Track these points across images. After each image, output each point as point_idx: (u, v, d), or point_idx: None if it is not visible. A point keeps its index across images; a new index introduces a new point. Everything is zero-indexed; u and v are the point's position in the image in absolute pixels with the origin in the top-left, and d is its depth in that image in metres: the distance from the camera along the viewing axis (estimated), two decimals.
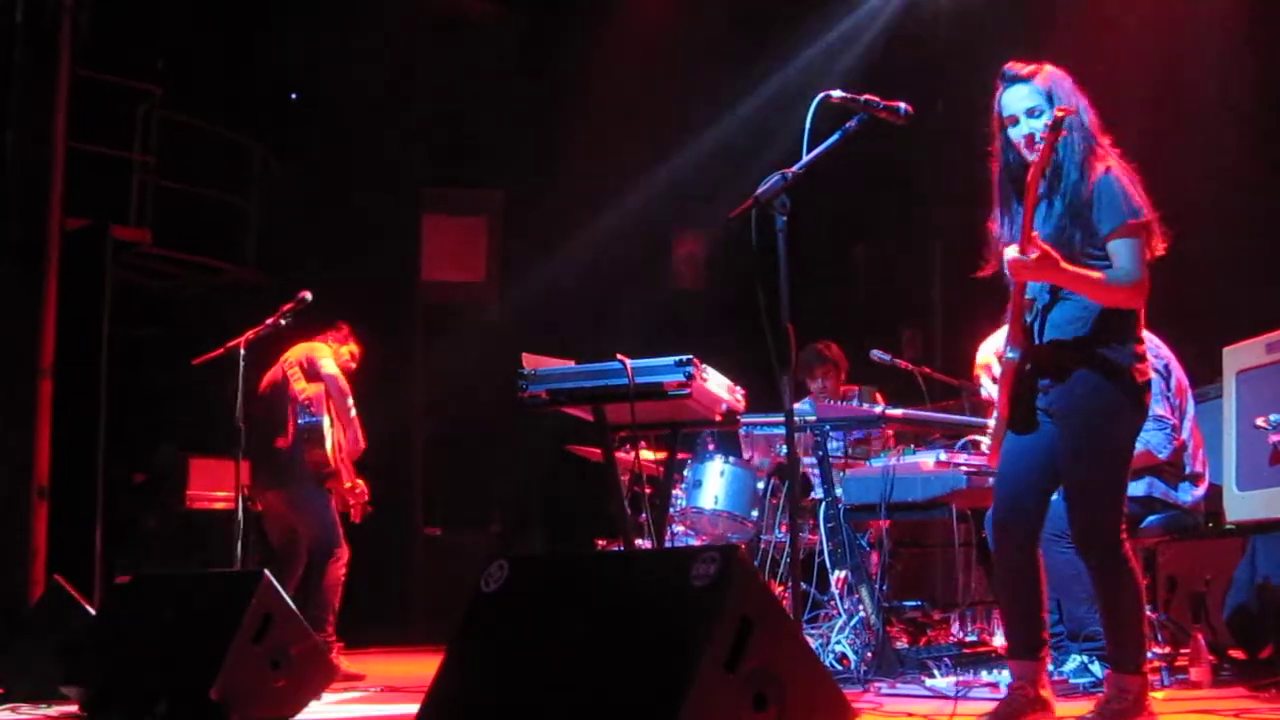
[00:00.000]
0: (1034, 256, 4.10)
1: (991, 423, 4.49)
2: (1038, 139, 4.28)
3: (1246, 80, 9.32)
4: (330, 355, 7.66)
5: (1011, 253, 4.17)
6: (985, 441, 4.63)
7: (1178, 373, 6.03)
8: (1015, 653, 4.46)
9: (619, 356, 5.36)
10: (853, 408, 7.02)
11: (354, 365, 7.94)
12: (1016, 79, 4.37)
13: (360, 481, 7.75)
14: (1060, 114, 4.15)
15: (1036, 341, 4.34)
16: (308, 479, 7.43)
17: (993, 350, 4.60)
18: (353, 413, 7.61)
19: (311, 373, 7.51)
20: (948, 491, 6.20)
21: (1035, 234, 4.13)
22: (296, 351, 7.72)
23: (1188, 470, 5.98)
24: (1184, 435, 5.97)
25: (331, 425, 7.47)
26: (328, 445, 7.39)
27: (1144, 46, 9.58)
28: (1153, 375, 4.56)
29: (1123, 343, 4.27)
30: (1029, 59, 4.46)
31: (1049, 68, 4.40)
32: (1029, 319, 4.36)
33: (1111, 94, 4.57)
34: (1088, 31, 9.75)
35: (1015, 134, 4.38)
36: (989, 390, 4.64)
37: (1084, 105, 4.36)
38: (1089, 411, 4.25)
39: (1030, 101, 4.33)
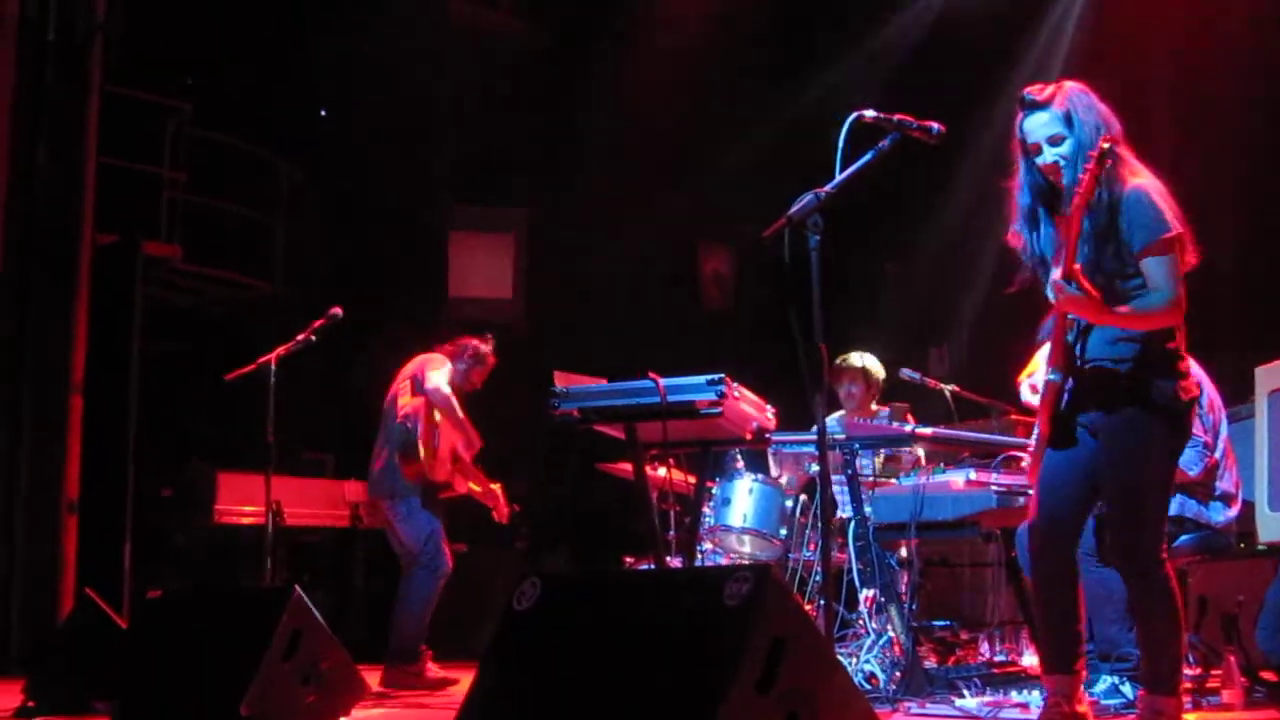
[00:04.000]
0: (1077, 293, 4.08)
1: (1030, 442, 4.47)
2: (1063, 167, 4.29)
3: (1275, 90, 9.27)
4: (443, 368, 7.50)
5: (1057, 277, 4.13)
6: (1026, 460, 4.62)
7: (1209, 391, 5.98)
8: (1051, 668, 4.44)
9: (651, 375, 5.36)
10: (882, 426, 6.99)
11: (477, 381, 7.80)
12: (1035, 105, 4.35)
13: (494, 486, 7.76)
14: (1106, 144, 4.13)
15: (1079, 363, 4.33)
16: (409, 492, 7.41)
17: (1043, 360, 4.59)
18: (461, 415, 7.45)
19: (418, 384, 7.49)
20: (977, 511, 6.17)
21: (1078, 267, 4.11)
22: (413, 364, 7.65)
23: (1218, 490, 5.94)
24: (1217, 454, 5.93)
25: (436, 437, 7.42)
26: (421, 457, 7.37)
27: (1169, 57, 9.55)
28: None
29: (1166, 361, 4.26)
30: (1046, 79, 4.45)
31: (1068, 85, 4.38)
32: (1070, 338, 4.34)
33: (1136, 106, 4.55)
34: (1112, 42, 9.72)
35: (1040, 161, 4.37)
36: (1026, 397, 4.63)
37: (1108, 118, 4.34)
38: (1133, 432, 4.24)
39: (1050, 129, 4.31)
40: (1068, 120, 4.30)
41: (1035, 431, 4.41)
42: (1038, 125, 4.34)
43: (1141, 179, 4.27)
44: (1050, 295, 4.20)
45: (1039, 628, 4.79)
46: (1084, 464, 4.36)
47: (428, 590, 7.37)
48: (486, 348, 7.82)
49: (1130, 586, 4.32)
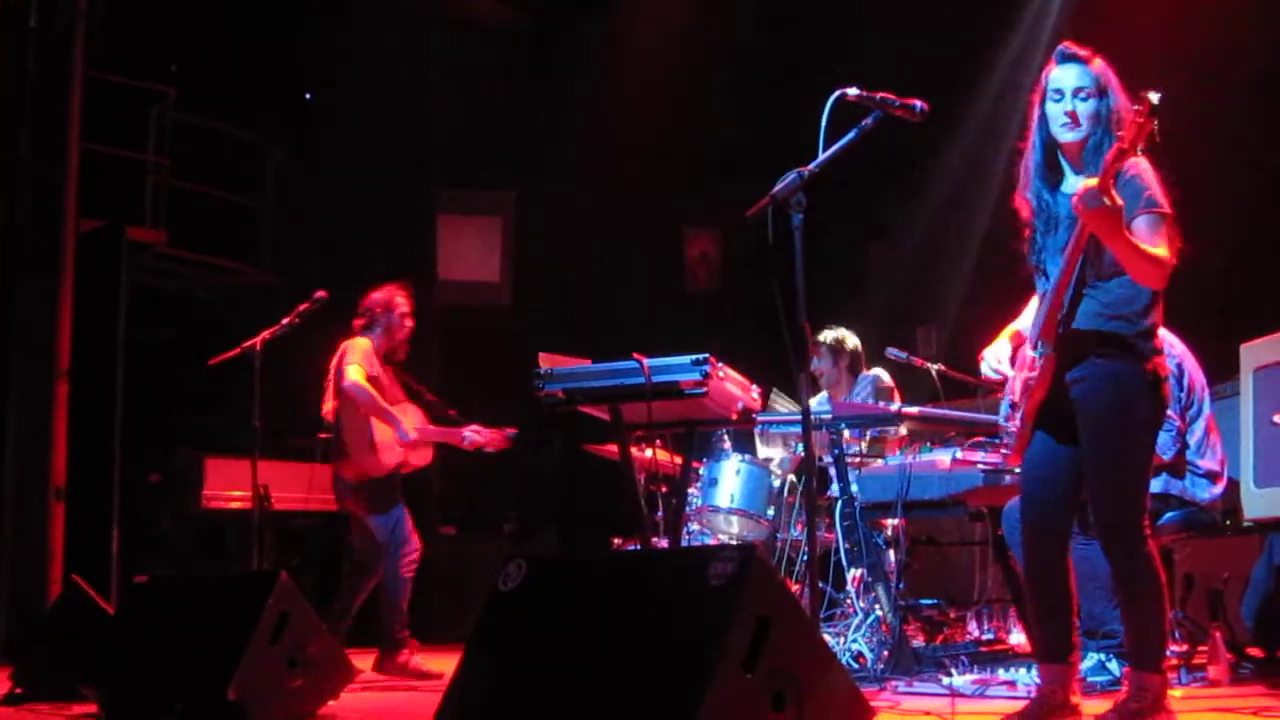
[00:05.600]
0: (1108, 203, 3.95)
1: (1012, 424, 4.44)
2: (1080, 116, 4.26)
3: (1266, 65, 9.23)
4: (358, 357, 7.24)
5: (1091, 182, 3.99)
6: (1009, 436, 4.58)
7: (1191, 370, 5.99)
8: (1044, 656, 4.44)
9: (635, 356, 5.36)
10: (869, 405, 7.00)
11: (403, 336, 7.49)
12: (1073, 58, 4.33)
13: (467, 429, 7.46)
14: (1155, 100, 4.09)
15: (1060, 331, 4.31)
16: (349, 490, 7.30)
17: (1009, 334, 4.59)
18: (382, 407, 7.18)
19: (337, 384, 7.35)
20: (964, 489, 6.18)
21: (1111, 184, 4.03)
22: (337, 356, 7.37)
23: (1203, 468, 5.95)
24: (1189, 436, 5.93)
25: (370, 429, 7.23)
26: (351, 456, 7.26)
27: (1157, 32, 9.51)
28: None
29: (1144, 337, 4.25)
30: (1033, 54, 4.43)
31: (1101, 60, 4.37)
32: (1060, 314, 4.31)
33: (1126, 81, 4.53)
34: (1103, 17, 9.67)
35: (1055, 109, 4.33)
36: (986, 370, 4.60)
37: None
38: (1110, 404, 4.23)
39: (1081, 82, 4.29)
40: (1100, 85, 4.29)
41: (1006, 407, 4.37)
42: (1069, 75, 4.31)
43: (1139, 161, 4.26)
44: (1078, 203, 4.01)
45: (1032, 618, 4.78)
46: (1073, 450, 4.35)
47: (400, 577, 7.28)
48: (386, 296, 7.50)
49: (1113, 563, 4.32)
